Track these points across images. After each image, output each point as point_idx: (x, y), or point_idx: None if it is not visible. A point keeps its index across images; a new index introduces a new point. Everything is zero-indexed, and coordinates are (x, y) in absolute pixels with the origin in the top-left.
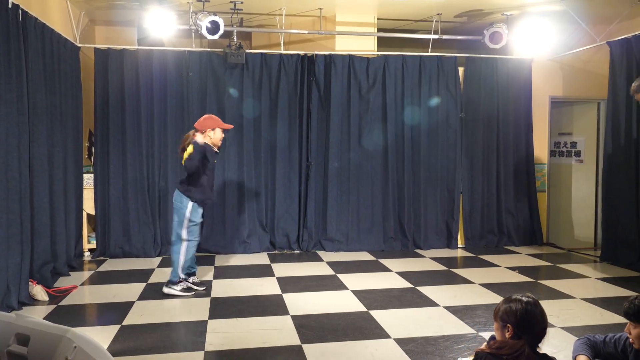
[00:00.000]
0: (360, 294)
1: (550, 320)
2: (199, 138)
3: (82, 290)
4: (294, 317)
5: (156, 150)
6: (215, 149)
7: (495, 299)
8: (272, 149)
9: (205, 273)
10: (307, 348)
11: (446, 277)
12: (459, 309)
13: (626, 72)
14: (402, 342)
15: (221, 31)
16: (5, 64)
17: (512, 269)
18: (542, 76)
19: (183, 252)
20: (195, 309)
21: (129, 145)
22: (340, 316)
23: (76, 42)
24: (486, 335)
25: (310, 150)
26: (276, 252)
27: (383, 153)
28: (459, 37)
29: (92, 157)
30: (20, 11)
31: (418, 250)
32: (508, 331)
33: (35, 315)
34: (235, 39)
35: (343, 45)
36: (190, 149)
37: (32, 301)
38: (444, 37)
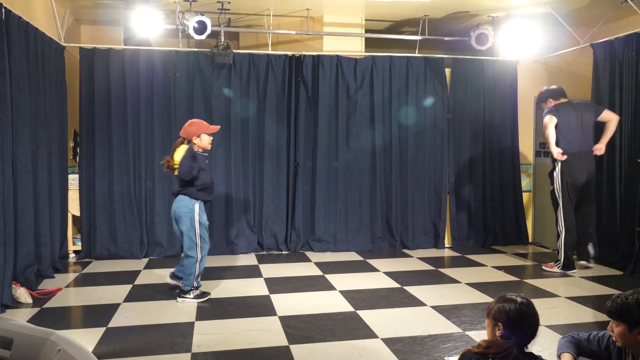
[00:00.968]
0: (348, 294)
1: None
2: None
3: (67, 293)
4: (281, 318)
5: (143, 151)
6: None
7: (482, 298)
8: (260, 149)
9: None
10: (295, 349)
11: (433, 277)
12: (445, 309)
13: (609, 74)
14: (390, 342)
15: (208, 31)
16: None
17: (498, 268)
18: (528, 77)
19: (198, 260)
20: (182, 311)
21: (114, 146)
22: (328, 316)
23: (61, 42)
24: (473, 334)
25: (299, 151)
26: (264, 252)
27: (371, 153)
28: (446, 39)
29: (77, 158)
30: (3, 10)
31: (405, 250)
32: (499, 330)
33: (19, 318)
34: (222, 39)
35: (331, 46)
36: (177, 157)
37: (16, 304)
38: (431, 38)
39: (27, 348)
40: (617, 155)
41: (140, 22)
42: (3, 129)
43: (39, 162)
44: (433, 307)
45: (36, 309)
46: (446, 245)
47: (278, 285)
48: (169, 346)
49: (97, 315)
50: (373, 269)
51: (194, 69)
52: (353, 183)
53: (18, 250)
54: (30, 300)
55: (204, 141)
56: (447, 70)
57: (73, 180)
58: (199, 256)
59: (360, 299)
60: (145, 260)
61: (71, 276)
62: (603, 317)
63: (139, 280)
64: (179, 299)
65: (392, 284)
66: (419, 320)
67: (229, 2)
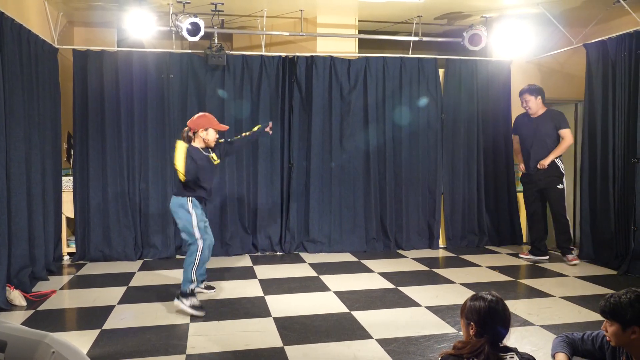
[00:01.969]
0: (342, 295)
1: (529, 318)
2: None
3: (62, 295)
4: (276, 319)
5: (137, 152)
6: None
7: None
8: (254, 150)
9: None
10: (290, 350)
11: (428, 277)
12: (440, 309)
13: (602, 74)
14: (384, 343)
15: (202, 33)
16: None
17: (493, 268)
18: (521, 78)
19: (199, 253)
20: (177, 313)
21: (108, 147)
22: (322, 317)
23: (54, 44)
24: None
25: (292, 152)
26: (258, 254)
27: (365, 154)
28: (439, 39)
29: (71, 160)
30: None
31: (400, 251)
32: (472, 329)
33: (13, 321)
34: (216, 40)
35: (324, 47)
36: (177, 160)
37: (10, 306)
38: (424, 39)
39: (21, 350)
40: (610, 155)
41: (133, 24)
42: None
43: (33, 164)
44: (427, 307)
45: (30, 312)
46: (440, 246)
47: (272, 286)
48: (163, 348)
49: (92, 317)
50: (367, 270)
51: (187, 71)
52: (347, 184)
53: (12, 253)
54: (24, 303)
55: (211, 135)
56: (441, 71)
57: (67, 182)
58: (200, 244)
59: (355, 299)
60: (140, 262)
61: (65, 278)
62: (597, 317)
63: (133, 282)
64: (176, 301)
65: (387, 284)
66: (413, 321)
67: (222, 4)
